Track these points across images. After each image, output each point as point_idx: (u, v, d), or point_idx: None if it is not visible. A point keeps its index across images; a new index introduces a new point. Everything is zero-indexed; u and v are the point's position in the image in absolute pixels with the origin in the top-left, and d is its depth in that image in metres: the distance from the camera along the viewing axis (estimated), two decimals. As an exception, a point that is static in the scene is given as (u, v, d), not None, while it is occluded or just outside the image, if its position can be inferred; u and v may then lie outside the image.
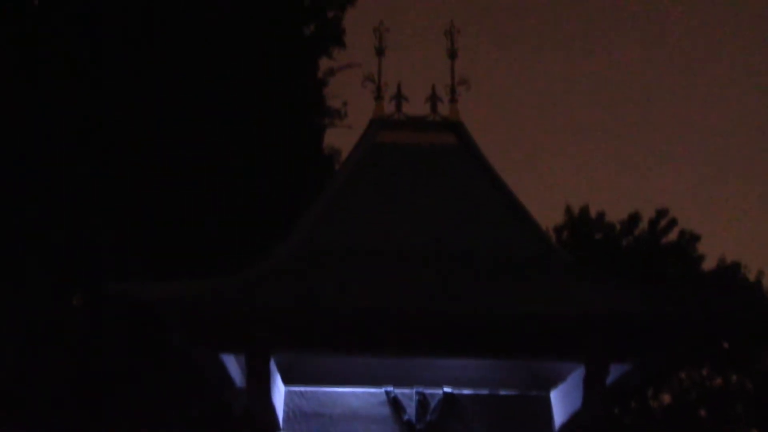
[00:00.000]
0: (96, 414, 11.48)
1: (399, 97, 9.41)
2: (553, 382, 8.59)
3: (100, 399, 11.66)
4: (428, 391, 8.62)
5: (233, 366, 8.03)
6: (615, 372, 7.58)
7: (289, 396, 8.60)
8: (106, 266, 11.42)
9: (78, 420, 11.24)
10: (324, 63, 16.70)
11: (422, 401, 8.56)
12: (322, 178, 15.64)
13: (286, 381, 8.57)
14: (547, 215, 23.77)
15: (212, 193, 12.87)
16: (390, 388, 8.61)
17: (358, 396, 8.63)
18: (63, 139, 12.15)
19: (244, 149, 13.62)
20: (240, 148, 13.55)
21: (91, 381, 11.70)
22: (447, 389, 8.65)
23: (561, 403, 8.42)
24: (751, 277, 20.62)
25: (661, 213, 21.05)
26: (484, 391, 8.73)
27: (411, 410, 8.52)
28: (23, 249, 11.74)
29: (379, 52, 9.44)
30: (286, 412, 8.51)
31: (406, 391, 8.62)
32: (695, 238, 20.86)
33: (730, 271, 20.53)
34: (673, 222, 20.94)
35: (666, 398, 20.04)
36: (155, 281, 7.34)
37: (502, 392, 8.75)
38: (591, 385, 7.40)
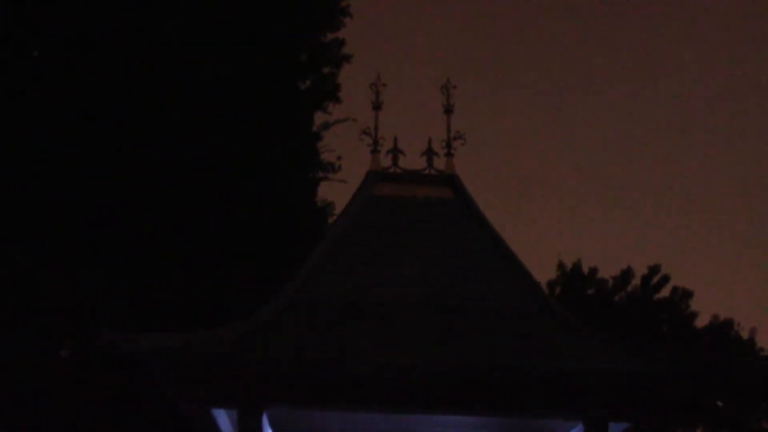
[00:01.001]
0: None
1: (395, 151, 9.45)
2: (551, 440, 8.46)
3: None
4: (424, 448, 8.47)
5: (224, 420, 7.87)
6: (613, 430, 7.47)
7: (281, 451, 8.42)
8: (95, 318, 11.27)
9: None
10: (319, 117, 16.85)
11: (417, 457, 8.40)
12: (315, 231, 15.62)
13: (278, 436, 8.40)
14: (540, 270, 23.74)
15: (204, 245, 12.81)
16: (383, 445, 8.45)
17: (351, 453, 8.46)
18: (50, 179, 12.06)
19: (236, 202, 13.62)
20: (232, 201, 13.55)
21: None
22: (443, 446, 8.50)
23: (558, 461, 8.27)
24: (744, 334, 20.58)
25: (654, 269, 21.08)
26: (481, 448, 8.58)
27: (405, 466, 8.36)
28: (10, 298, 11.59)
29: (376, 106, 9.52)
30: (277, 468, 8.32)
31: (402, 448, 8.46)
32: (688, 294, 20.86)
33: (723, 328, 20.47)
34: (665, 278, 20.95)
35: (660, 457, 19.77)
36: (146, 332, 7.22)
37: (497, 451, 8.60)
38: (590, 444, 7.28)
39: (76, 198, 12.00)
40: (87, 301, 11.79)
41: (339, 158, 17.00)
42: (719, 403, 18.88)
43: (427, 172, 9.43)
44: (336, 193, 17.35)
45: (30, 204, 11.67)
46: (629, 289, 21.16)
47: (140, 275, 12.11)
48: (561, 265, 22.05)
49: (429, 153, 9.48)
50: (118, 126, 12.35)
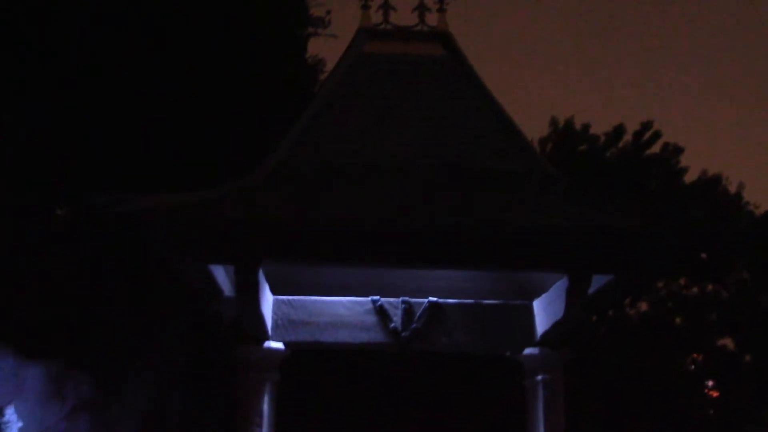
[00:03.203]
0: (83, 332, 11.54)
1: (386, 6, 9.25)
2: (536, 292, 8.79)
3: (87, 315, 11.70)
4: (414, 300, 8.81)
5: (222, 276, 8.13)
6: (597, 282, 7.75)
7: (277, 305, 8.76)
8: (92, 178, 11.33)
9: (63, 339, 11.29)
10: (307, -31, 16.24)
11: (408, 310, 8.76)
12: (307, 88, 15.46)
13: (275, 291, 8.71)
14: (533, 127, 23.67)
15: (194, 107, 12.67)
16: (377, 298, 8.79)
17: (345, 305, 8.81)
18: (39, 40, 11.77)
19: (225, 61, 13.33)
20: (221, 60, 13.26)
21: (77, 297, 11.71)
22: (432, 299, 8.84)
23: (543, 312, 8.64)
24: (732, 189, 20.88)
25: (646, 125, 21.01)
26: (469, 301, 8.93)
27: (397, 318, 8.73)
28: (4, 158, 11.57)
29: (367, -41, 9.20)
30: (274, 320, 8.68)
31: (393, 300, 8.80)
32: (678, 150, 20.92)
33: (711, 184, 20.73)
34: (656, 134, 20.93)
35: (643, 306, 20.55)
36: (140, 193, 7.29)
37: (486, 302, 8.96)
38: (573, 295, 7.58)
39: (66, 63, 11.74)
40: (84, 162, 11.81)
41: (329, 12, 16.59)
42: (703, 256, 19.41)
43: (419, 28, 9.26)
44: (327, 49, 17.04)
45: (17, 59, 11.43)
46: (621, 145, 21.19)
47: (132, 139, 12.06)
48: (553, 122, 21.97)
49: (421, 8, 9.28)
50: None
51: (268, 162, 8.03)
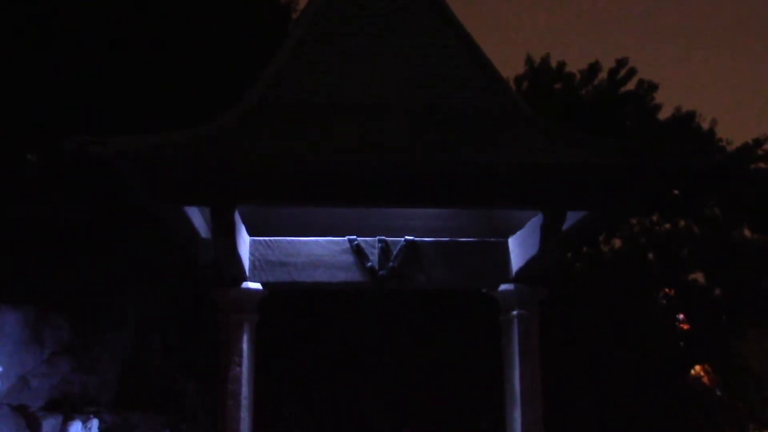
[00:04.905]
0: (60, 277, 11.50)
1: (359, -59, 9.03)
2: (512, 229, 8.88)
3: (64, 260, 11.65)
4: (390, 239, 8.87)
5: (198, 218, 8.11)
6: (571, 219, 7.84)
7: (254, 246, 8.78)
8: (65, 122, 11.15)
9: (40, 285, 11.25)
10: None
11: (384, 249, 8.83)
12: (279, 29, 15.21)
13: (251, 232, 8.72)
14: (508, 65, 23.52)
15: (167, 48, 12.44)
16: (353, 237, 8.84)
17: (322, 245, 8.85)
18: None
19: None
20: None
21: (52, 243, 11.64)
22: (408, 237, 8.91)
23: (519, 248, 8.75)
24: (705, 125, 21.04)
25: (621, 62, 21.01)
26: (445, 239, 9.01)
27: (374, 257, 8.80)
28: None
29: None
30: (252, 261, 8.72)
31: (369, 239, 8.86)
32: (653, 87, 20.98)
33: (685, 121, 20.86)
34: (632, 71, 20.94)
35: (617, 243, 20.86)
36: (114, 135, 7.19)
37: (462, 239, 9.05)
38: (548, 232, 7.68)
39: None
40: (54, 105, 11.61)
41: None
42: (675, 192, 19.65)
43: (393, -38, 9.08)
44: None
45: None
46: (596, 82, 21.20)
47: (105, 81, 11.85)
48: (529, 60, 21.87)
49: (395, -56, 9.08)
50: None
51: (242, 102, 7.94)
